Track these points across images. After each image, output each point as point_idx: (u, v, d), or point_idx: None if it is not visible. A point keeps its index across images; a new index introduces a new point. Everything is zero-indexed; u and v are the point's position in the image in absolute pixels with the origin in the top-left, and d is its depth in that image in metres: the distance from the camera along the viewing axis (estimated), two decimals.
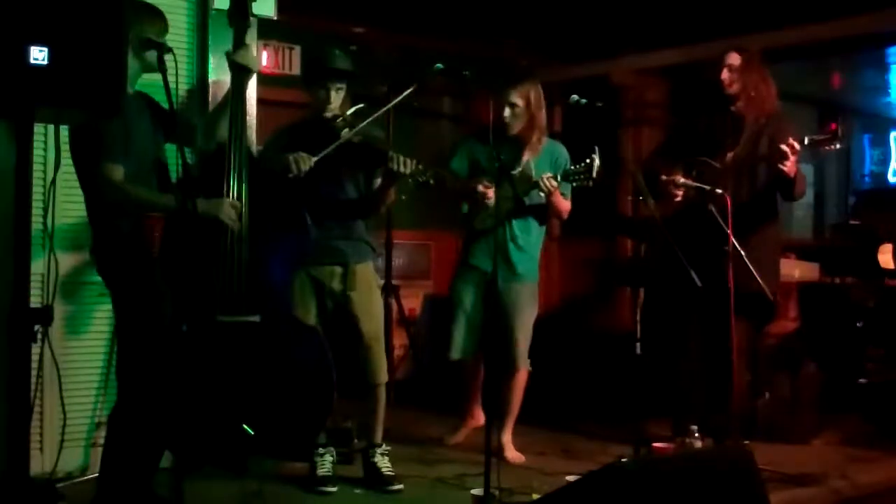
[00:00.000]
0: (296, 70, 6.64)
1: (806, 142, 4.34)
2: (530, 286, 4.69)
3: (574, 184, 4.43)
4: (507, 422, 4.73)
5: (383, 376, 4.17)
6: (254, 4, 3.77)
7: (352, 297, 4.10)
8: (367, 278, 4.18)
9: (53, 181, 3.26)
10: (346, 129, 3.92)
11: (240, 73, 3.60)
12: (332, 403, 3.66)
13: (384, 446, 4.20)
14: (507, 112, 4.55)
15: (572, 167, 4.43)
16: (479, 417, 4.89)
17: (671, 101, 7.42)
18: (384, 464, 4.14)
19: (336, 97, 4.02)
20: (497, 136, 4.40)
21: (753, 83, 4.60)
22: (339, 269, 4.09)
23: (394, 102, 4.15)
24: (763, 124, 4.59)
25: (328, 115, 4.00)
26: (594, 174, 4.30)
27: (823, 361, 5.47)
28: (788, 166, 4.29)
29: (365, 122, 3.98)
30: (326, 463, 4.09)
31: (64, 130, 3.37)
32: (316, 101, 4.04)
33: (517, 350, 4.64)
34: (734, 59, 4.60)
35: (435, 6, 6.44)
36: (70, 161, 3.42)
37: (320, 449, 4.07)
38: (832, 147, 4.43)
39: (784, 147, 4.26)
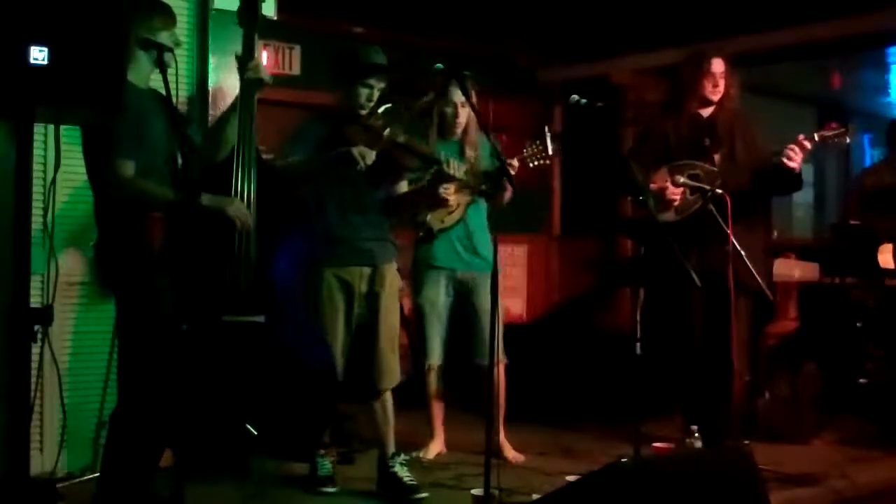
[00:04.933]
0: (296, 70, 6.64)
1: (816, 138, 4.35)
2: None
3: (534, 163, 4.44)
4: (501, 419, 4.70)
5: (395, 381, 4.09)
6: None
7: (378, 300, 4.02)
8: (394, 280, 4.12)
9: (53, 181, 3.26)
10: (388, 129, 3.86)
11: (251, 85, 3.55)
12: (335, 404, 3.66)
13: (403, 455, 4.12)
14: (459, 111, 4.53)
15: (528, 149, 4.43)
16: (442, 441, 4.77)
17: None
18: (404, 473, 4.03)
19: (376, 95, 3.94)
20: (444, 137, 4.51)
21: (734, 88, 4.60)
22: (367, 271, 4.02)
23: (423, 101, 4.09)
24: (732, 124, 4.59)
25: (365, 112, 3.92)
26: (549, 151, 4.38)
27: (823, 361, 5.47)
28: (797, 162, 4.31)
29: (397, 123, 3.94)
30: (327, 463, 4.06)
31: (64, 130, 3.37)
32: (354, 99, 3.93)
33: (499, 343, 4.60)
34: (721, 66, 4.57)
35: (435, 6, 6.44)
36: (70, 161, 3.42)
37: (321, 450, 4.03)
38: (842, 142, 4.42)
39: (795, 147, 4.27)
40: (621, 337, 5.83)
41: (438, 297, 4.63)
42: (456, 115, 4.55)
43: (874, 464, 4.79)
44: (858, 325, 5.92)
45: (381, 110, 3.94)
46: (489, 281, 4.56)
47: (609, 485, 2.79)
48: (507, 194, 4.55)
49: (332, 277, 3.95)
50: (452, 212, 4.53)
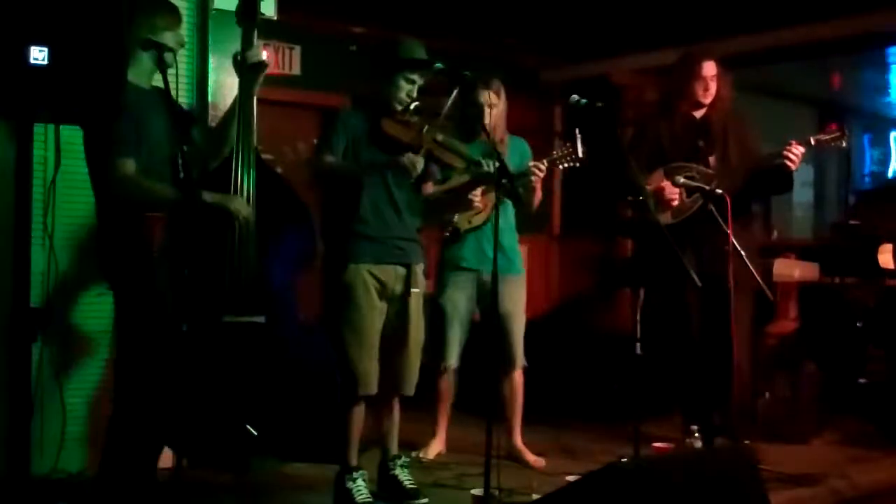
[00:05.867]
0: (296, 70, 6.64)
1: (812, 142, 4.37)
2: (521, 277, 4.67)
3: (562, 166, 4.45)
4: (518, 423, 4.69)
5: (413, 388, 4.00)
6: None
7: (409, 301, 3.91)
8: (423, 282, 4.01)
9: (53, 181, 3.26)
10: (426, 127, 3.79)
11: (250, 72, 3.52)
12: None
13: (404, 457, 4.07)
14: (486, 112, 4.51)
15: (557, 150, 4.44)
16: (443, 441, 4.77)
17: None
18: (405, 476, 3.99)
19: (415, 91, 3.86)
20: (468, 138, 4.43)
21: (725, 89, 4.60)
22: (402, 271, 3.90)
23: (450, 102, 4.00)
24: (725, 124, 4.59)
25: (399, 108, 3.83)
26: (580, 154, 4.36)
27: (823, 361, 5.47)
28: (796, 163, 4.33)
29: (439, 122, 3.87)
30: (362, 488, 3.83)
31: (64, 130, 3.37)
32: (394, 93, 3.82)
33: (519, 347, 4.62)
34: (712, 69, 4.57)
35: (435, 6, 6.44)
36: (70, 161, 3.42)
37: (353, 473, 3.84)
38: (838, 145, 4.45)
39: (793, 150, 4.29)
40: (621, 337, 5.84)
41: (462, 299, 4.59)
42: (480, 116, 4.51)
43: (874, 464, 4.78)
44: (858, 325, 5.92)
45: (411, 107, 3.85)
46: (514, 284, 4.60)
47: (609, 485, 2.79)
48: (536, 198, 4.55)
49: (368, 275, 3.82)
50: (480, 212, 4.50)
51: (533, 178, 4.42)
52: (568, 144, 4.41)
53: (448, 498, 4.01)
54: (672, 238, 4.10)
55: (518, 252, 4.71)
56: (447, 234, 4.59)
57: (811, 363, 5.40)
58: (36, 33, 2.57)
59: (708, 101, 4.59)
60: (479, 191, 4.37)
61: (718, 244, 4.32)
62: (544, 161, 4.43)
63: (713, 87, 4.57)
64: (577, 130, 4.40)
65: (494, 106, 4.55)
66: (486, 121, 4.50)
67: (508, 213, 4.63)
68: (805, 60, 7.35)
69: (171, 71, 3.31)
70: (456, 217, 4.51)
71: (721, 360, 4.41)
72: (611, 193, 5.18)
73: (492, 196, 4.44)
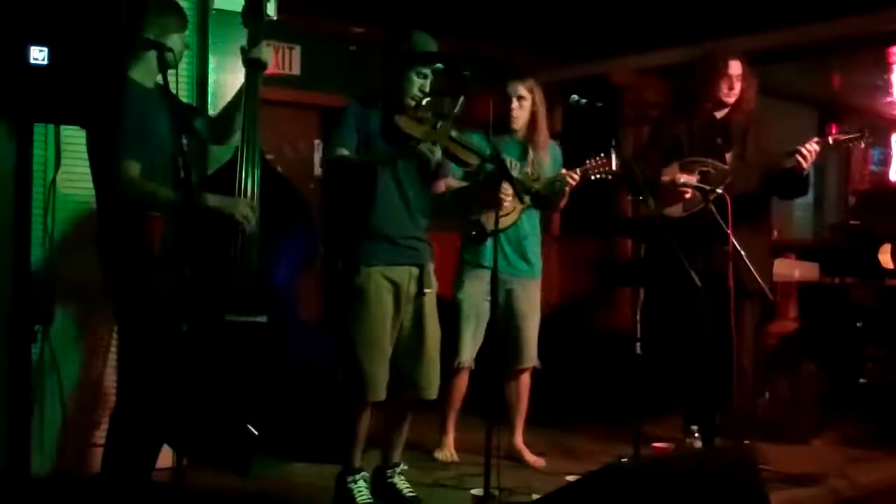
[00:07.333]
0: (296, 70, 6.63)
1: (831, 141, 4.34)
2: (539, 281, 4.68)
3: (596, 176, 4.43)
4: (521, 423, 4.69)
5: (436, 391, 3.84)
6: None
7: (424, 302, 3.77)
8: (434, 282, 3.86)
9: (53, 181, 3.26)
10: (440, 123, 3.69)
11: (254, 69, 3.52)
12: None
13: (402, 465, 3.96)
14: (514, 104, 4.51)
15: (590, 162, 4.41)
16: (451, 442, 4.73)
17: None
18: (404, 485, 3.88)
19: (428, 86, 3.76)
20: (502, 134, 4.44)
21: (751, 90, 4.58)
22: (415, 271, 3.75)
23: (458, 107, 3.72)
24: (746, 126, 4.58)
25: (413, 103, 3.69)
26: (614, 166, 4.35)
27: (823, 361, 5.47)
28: (808, 160, 4.31)
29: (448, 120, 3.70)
30: (363, 489, 3.76)
31: (64, 130, 3.37)
32: (406, 88, 3.70)
33: (532, 348, 4.62)
34: (738, 68, 4.53)
35: (434, 5, 6.44)
36: (70, 161, 3.42)
37: (355, 474, 3.76)
38: (857, 146, 4.43)
39: (806, 146, 4.27)
40: (621, 337, 5.85)
41: (479, 295, 4.52)
42: (510, 110, 4.51)
43: (874, 464, 4.79)
44: (858, 325, 5.92)
45: (423, 103, 3.72)
46: (532, 287, 4.59)
47: (609, 485, 2.79)
48: (561, 203, 4.55)
49: (382, 278, 3.67)
50: (508, 213, 4.43)
51: (566, 187, 4.43)
52: (602, 156, 4.38)
53: (448, 498, 4.01)
54: (682, 237, 4.08)
55: (539, 256, 4.70)
56: (473, 234, 4.48)
57: (811, 363, 5.40)
58: (36, 33, 2.58)
59: (732, 100, 4.55)
60: (510, 192, 4.18)
61: (726, 244, 4.31)
62: (577, 171, 4.41)
63: (738, 86, 4.53)
64: (613, 141, 4.35)
65: (524, 98, 4.53)
66: (515, 115, 4.51)
67: (534, 218, 4.63)
68: (805, 60, 7.35)
69: (170, 70, 3.31)
70: (483, 218, 4.40)
71: (725, 362, 4.41)
72: (611, 193, 5.20)
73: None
